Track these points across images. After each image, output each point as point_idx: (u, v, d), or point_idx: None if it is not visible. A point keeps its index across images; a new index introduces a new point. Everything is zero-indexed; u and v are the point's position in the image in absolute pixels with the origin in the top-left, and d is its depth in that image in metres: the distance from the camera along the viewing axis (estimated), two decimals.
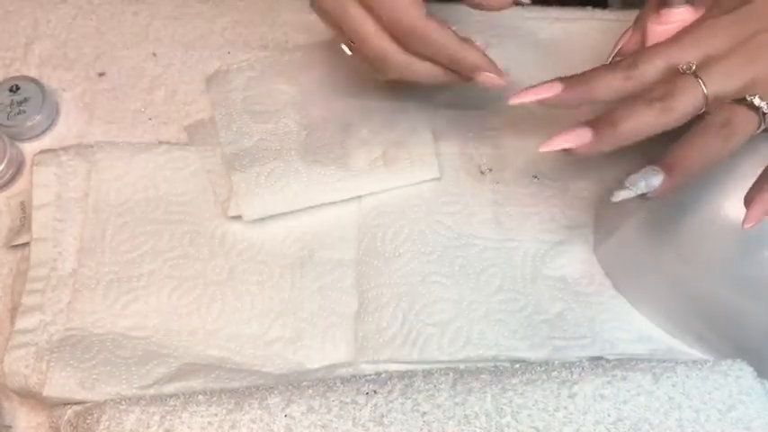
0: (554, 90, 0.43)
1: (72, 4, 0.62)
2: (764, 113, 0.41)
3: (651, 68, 0.43)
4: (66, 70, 0.60)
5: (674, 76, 0.42)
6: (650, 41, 0.45)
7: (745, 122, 0.40)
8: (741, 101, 0.41)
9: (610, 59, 0.48)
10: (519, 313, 0.49)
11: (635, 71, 0.43)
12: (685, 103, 0.41)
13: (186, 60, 0.60)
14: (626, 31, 0.48)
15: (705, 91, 0.41)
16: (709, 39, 0.42)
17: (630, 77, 0.43)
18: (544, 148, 0.42)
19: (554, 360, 0.47)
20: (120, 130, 0.57)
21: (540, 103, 0.43)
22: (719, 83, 0.41)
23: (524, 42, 0.58)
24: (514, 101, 0.43)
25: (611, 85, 0.43)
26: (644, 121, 0.41)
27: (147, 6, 0.62)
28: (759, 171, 0.41)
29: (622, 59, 0.44)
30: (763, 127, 0.41)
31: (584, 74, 0.44)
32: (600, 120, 0.42)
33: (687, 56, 0.42)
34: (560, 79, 0.44)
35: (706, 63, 0.42)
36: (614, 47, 0.48)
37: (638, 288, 0.49)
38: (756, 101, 0.41)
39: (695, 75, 0.41)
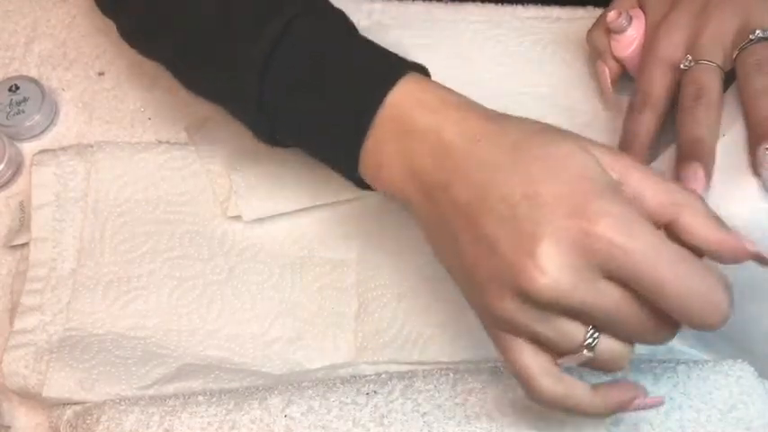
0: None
1: (72, 3, 0.62)
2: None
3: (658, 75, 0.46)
4: (65, 70, 0.60)
5: (683, 74, 0.45)
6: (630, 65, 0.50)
7: None
8: (750, 43, 0.43)
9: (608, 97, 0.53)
10: None
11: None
12: (713, 82, 0.43)
13: None
14: (601, 70, 0.52)
15: (715, 62, 0.44)
16: (677, 31, 0.46)
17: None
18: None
19: None
20: (119, 129, 0.57)
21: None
22: (721, 47, 0.44)
23: (524, 42, 0.58)
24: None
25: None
26: (708, 124, 0.43)
27: None
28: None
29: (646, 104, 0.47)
30: None
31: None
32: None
33: (678, 51, 0.45)
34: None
35: (693, 45, 0.45)
36: (606, 89, 0.52)
37: None
38: (759, 33, 0.43)
39: (695, 61, 0.44)
